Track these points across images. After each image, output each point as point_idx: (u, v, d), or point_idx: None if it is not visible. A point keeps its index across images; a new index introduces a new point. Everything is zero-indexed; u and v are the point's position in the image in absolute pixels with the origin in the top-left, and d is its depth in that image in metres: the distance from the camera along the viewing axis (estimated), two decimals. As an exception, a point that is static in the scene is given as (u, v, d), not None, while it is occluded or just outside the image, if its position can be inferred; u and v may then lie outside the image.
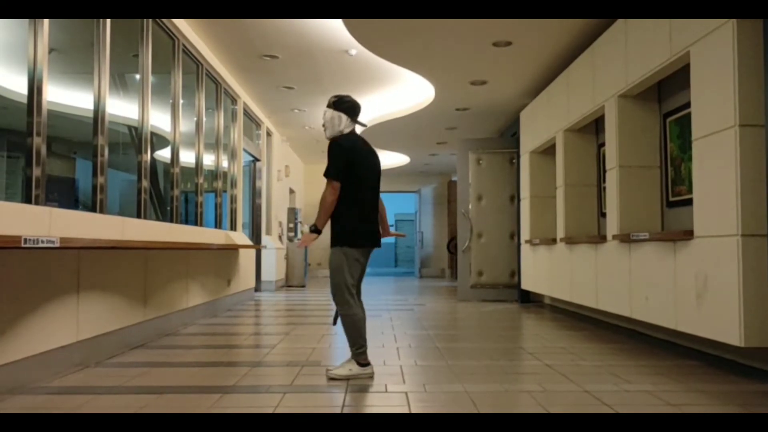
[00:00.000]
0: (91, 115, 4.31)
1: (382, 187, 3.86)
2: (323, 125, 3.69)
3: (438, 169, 15.26)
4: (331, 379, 3.49)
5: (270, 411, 2.80)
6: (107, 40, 4.38)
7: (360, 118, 3.75)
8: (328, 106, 3.65)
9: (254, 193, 10.18)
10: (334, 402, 3.02)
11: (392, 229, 3.99)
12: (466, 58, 6.59)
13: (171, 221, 5.83)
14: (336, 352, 4.58)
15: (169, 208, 6.00)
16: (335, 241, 3.57)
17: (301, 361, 3.95)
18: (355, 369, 3.52)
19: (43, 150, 3.51)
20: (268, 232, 10.53)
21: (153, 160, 6.42)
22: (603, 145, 5.86)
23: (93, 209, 4.23)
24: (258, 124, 9.81)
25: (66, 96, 6.61)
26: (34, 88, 3.53)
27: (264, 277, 10.23)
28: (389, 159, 14.10)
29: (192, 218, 6.79)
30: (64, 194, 7.19)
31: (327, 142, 3.67)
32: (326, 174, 3.53)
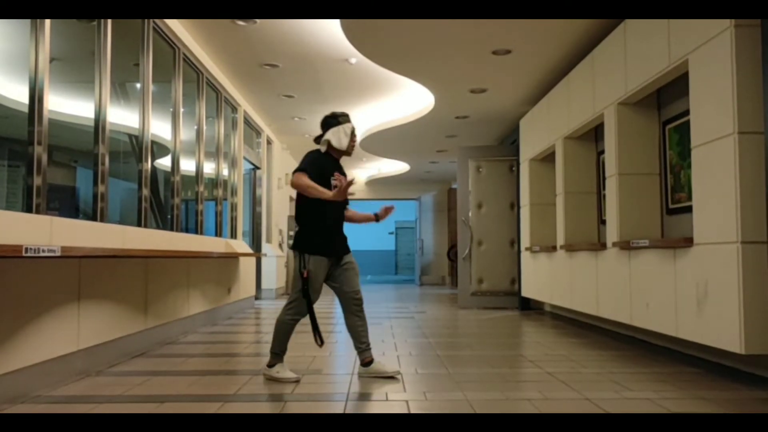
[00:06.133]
0: (92, 123, 4.32)
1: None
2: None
3: (438, 176, 15.28)
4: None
5: (271, 419, 2.79)
6: (108, 49, 4.39)
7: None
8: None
9: (254, 201, 10.19)
10: (335, 410, 3.02)
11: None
12: (466, 67, 6.61)
13: (171, 230, 5.84)
14: (337, 360, 4.58)
15: (169, 217, 6.01)
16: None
17: (301, 370, 3.94)
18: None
19: (44, 159, 3.52)
20: (269, 240, 10.53)
21: (154, 168, 6.43)
22: (603, 152, 5.87)
23: (94, 218, 4.24)
24: (258, 133, 9.84)
25: (67, 105, 6.63)
26: (35, 97, 3.54)
27: (264, 285, 10.22)
28: (389, 167, 14.13)
29: (192, 226, 6.80)
30: (65, 203, 7.20)
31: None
32: None
